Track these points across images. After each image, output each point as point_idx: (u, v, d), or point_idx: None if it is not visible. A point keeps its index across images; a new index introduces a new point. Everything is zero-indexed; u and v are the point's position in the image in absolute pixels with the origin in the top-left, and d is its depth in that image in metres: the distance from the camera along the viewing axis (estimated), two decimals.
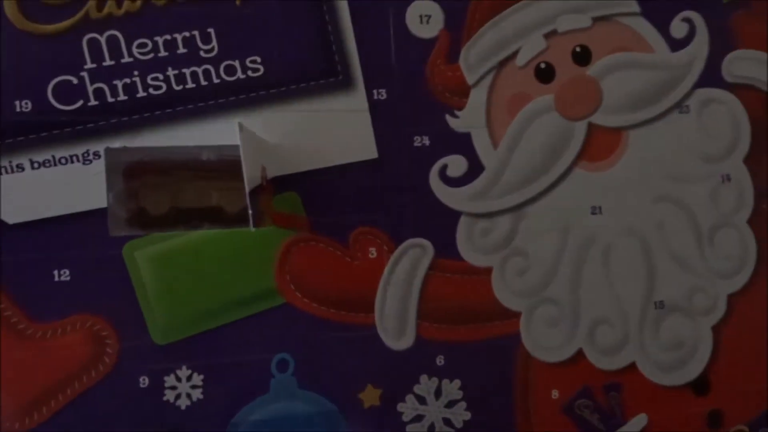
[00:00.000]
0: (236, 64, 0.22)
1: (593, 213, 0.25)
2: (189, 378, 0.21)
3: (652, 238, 0.25)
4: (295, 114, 0.22)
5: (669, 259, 0.26)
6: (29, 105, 0.20)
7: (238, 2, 0.22)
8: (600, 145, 0.25)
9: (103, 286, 0.21)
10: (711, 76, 0.26)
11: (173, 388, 0.21)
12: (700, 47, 0.26)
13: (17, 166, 0.20)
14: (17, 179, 0.20)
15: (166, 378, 0.21)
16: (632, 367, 0.25)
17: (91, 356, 0.21)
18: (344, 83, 0.23)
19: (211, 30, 0.21)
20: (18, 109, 0.20)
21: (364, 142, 0.23)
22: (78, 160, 0.21)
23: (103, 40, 0.21)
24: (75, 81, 0.21)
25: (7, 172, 0.20)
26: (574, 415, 0.25)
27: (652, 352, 0.25)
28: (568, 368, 0.25)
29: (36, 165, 0.20)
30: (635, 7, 0.25)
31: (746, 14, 0.27)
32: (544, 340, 0.24)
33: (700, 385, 0.26)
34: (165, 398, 0.21)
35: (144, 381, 0.21)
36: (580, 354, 0.25)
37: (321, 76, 0.22)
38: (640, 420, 0.26)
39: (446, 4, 0.23)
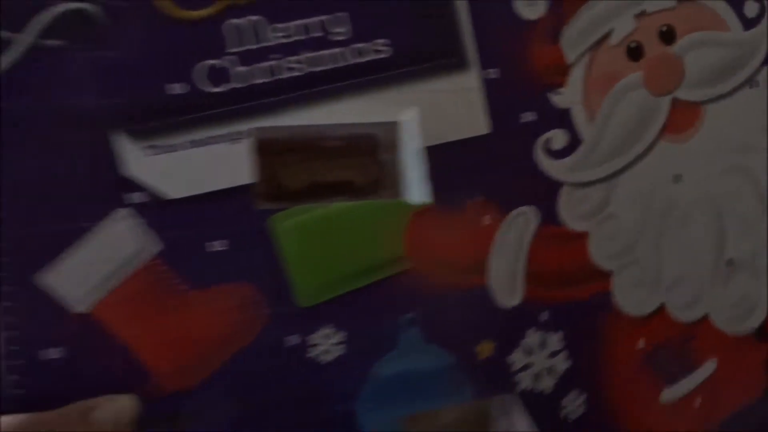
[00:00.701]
0: (366, 46, 0.23)
1: (675, 182, 0.27)
2: (329, 336, 0.23)
3: (723, 203, 0.28)
4: (416, 94, 0.24)
5: (737, 222, 0.28)
6: (183, 88, 0.22)
7: None
8: (681, 118, 0.27)
9: (253, 256, 0.23)
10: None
11: (316, 345, 0.23)
12: None
13: (174, 145, 0.22)
14: (175, 157, 0.22)
15: (309, 337, 0.23)
16: (705, 318, 0.28)
17: (243, 319, 0.23)
18: (460, 63, 0.24)
19: (343, 14, 0.23)
20: (172, 92, 0.22)
21: (477, 119, 0.25)
22: (227, 140, 0.22)
23: (245, 24, 0.22)
24: (221, 65, 0.22)
25: (163, 152, 0.22)
26: (655, 363, 0.28)
27: (723, 305, 0.28)
28: (651, 321, 0.27)
29: (191, 144, 0.22)
30: None
31: None
32: (631, 297, 0.27)
33: (761, 333, 0.29)
34: (309, 356, 0.23)
35: (290, 341, 0.23)
36: (661, 308, 0.28)
37: (440, 56, 0.24)
38: (711, 365, 0.29)
39: None
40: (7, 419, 0.20)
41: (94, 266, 0.21)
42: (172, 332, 0.22)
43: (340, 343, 0.24)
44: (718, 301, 0.28)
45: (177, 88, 0.22)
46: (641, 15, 0.26)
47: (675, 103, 0.27)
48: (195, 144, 0.22)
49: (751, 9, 0.28)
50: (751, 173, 0.28)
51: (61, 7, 0.20)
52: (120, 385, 0.22)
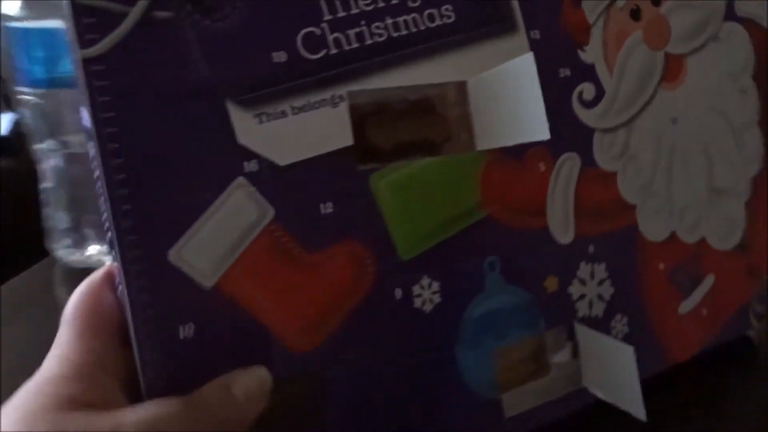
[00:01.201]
0: (435, 12, 0.25)
1: (673, 123, 0.32)
2: (429, 285, 0.25)
3: (708, 140, 0.33)
4: (479, 54, 0.26)
5: (719, 156, 0.34)
6: (286, 56, 0.22)
7: None
8: (672, 69, 0.32)
9: (358, 214, 0.24)
10: (729, 13, 0.34)
11: (419, 296, 0.25)
12: None
13: (281, 112, 0.22)
14: (282, 124, 0.22)
15: (412, 288, 0.25)
16: (703, 239, 0.33)
17: (355, 277, 0.24)
18: (511, 27, 0.27)
19: None
20: (275, 60, 0.22)
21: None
22: (328, 104, 0.23)
23: None
24: (318, 32, 0.23)
25: (272, 120, 0.22)
26: (675, 280, 0.32)
27: (714, 227, 0.33)
28: (668, 245, 0.32)
29: (296, 110, 0.22)
30: None
31: None
32: (652, 225, 0.31)
33: (742, 246, 0.35)
34: (415, 306, 0.25)
35: (398, 293, 0.24)
36: (673, 234, 0.32)
37: (494, 21, 0.26)
38: (710, 279, 0.34)
39: None
40: (157, 405, 0.20)
41: (220, 238, 0.21)
42: (294, 295, 0.23)
43: (437, 292, 0.25)
44: (711, 223, 0.33)
45: (282, 56, 0.22)
46: None
47: (667, 56, 0.32)
48: (299, 110, 0.23)
49: None
50: (724, 113, 0.34)
51: None
52: (250, 354, 0.22)
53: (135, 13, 0.20)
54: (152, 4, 0.20)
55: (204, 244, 0.21)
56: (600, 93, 0.29)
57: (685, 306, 0.33)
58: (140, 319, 0.20)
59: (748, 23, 0.35)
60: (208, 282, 0.21)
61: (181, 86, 0.20)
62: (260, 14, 0.22)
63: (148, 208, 0.20)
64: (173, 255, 0.20)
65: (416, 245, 0.25)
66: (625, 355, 0.25)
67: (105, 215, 0.21)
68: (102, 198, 0.20)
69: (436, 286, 0.25)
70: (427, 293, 0.25)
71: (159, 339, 0.20)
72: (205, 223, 0.21)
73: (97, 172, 0.20)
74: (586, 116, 0.29)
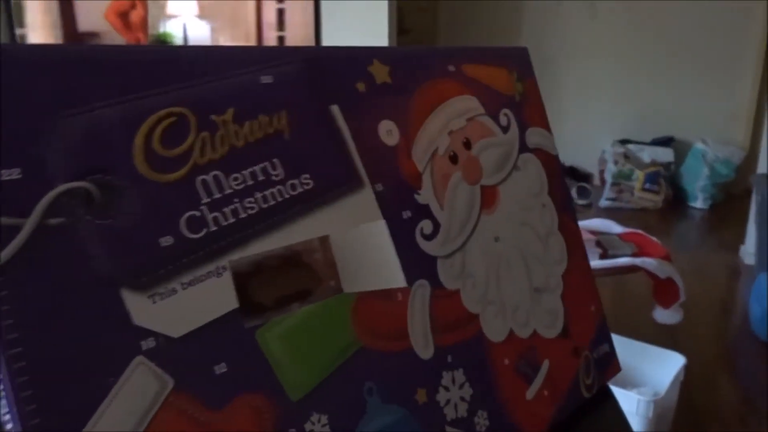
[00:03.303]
0: (297, 181, 0.30)
1: (496, 241, 0.39)
2: (319, 420, 0.28)
3: (523, 249, 0.41)
4: (333, 212, 0.31)
5: (533, 260, 0.41)
6: (170, 240, 0.25)
7: (286, 137, 0.30)
8: (488, 197, 0.39)
9: (249, 368, 0.26)
10: (522, 145, 0.43)
11: (311, 430, 0.28)
12: (515, 129, 0.42)
13: (172, 290, 0.25)
14: (174, 300, 0.25)
15: (305, 425, 0.28)
16: (534, 332, 0.40)
17: (257, 427, 0.26)
18: (358, 184, 0.32)
19: (276, 160, 0.29)
20: (163, 245, 0.25)
21: (380, 219, 0.32)
22: (213, 275, 0.26)
23: (210, 178, 0.27)
24: (198, 214, 0.26)
25: (164, 298, 0.25)
26: (519, 371, 0.38)
27: (540, 320, 0.41)
28: (508, 342, 0.38)
29: (185, 286, 0.25)
30: (482, 110, 0.40)
31: (527, 105, 0.44)
32: (493, 328, 0.37)
33: (564, 332, 0.42)
34: None
35: None
36: (511, 332, 0.38)
37: (344, 182, 0.31)
38: (546, 364, 0.40)
39: (401, 124, 0.35)
40: None
41: (126, 417, 0.23)
42: None
43: (326, 425, 0.28)
44: (538, 317, 0.40)
45: (168, 240, 0.25)
46: (451, 132, 0.38)
47: (482, 188, 0.39)
48: (188, 285, 0.25)
49: (503, 120, 0.42)
50: (532, 226, 0.42)
51: (61, 188, 0.23)
52: None
53: (30, 223, 0.22)
54: (46, 213, 0.22)
55: (113, 422, 0.22)
56: (437, 227, 0.36)
57: (531, 392, 0.39)
58: None
59: (538, 152, 0.44)
60: None
61: (78, 284, 0.22)
62: (146, 207, 0.25)
63: (54, 403, 0.21)
64: None
65: (303, 386, 0.28)
66: None
67: (10, 414, 0.21)
68: (6, 398, 0.21)
69: (324, 419, 0.28)
70: (317, 427, 0.28)
71: None
72: (111, 402, 0.23)
73: None
74: (429, 247, 0.35)
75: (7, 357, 0.21)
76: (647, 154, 3.15)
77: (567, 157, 3.31)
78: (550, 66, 3.69)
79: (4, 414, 0.21)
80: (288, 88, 0.30)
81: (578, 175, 2.70)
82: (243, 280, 0.27)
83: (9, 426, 0.22)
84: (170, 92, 0.26)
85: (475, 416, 0.35)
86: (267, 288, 0.28)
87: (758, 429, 1.40)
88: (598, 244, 1.25)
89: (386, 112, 0.34)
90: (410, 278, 0.33)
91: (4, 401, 0.21)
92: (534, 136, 0.44)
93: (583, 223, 1.45)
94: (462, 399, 0.35)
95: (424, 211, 0.35)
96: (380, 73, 0.35)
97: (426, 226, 0.35)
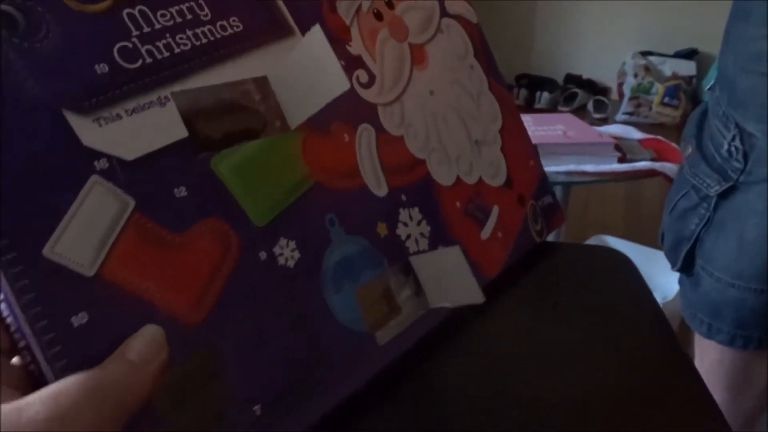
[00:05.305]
0: (225, 23, 0.30)
1: (431, 94, 0.40)
2: (287, 245, 0.29)
3: (457, 104, 0.42)
4: (265, 56, 0.31)
5: (468, 115, 0.43)
6: (106, 68, 0.25)
7: None
8: (418, 55, 0.40)
9: (210, 194, 0.26)
10: (443, 11, 0.44)
11: (281, 254, 0.28)
12: None
13: (116, 115, 0.25)
14: (121, 125, 0.24)
15: (274, 249, 0.28)
16: (480, 179, 0.42)
17: (223, 248, 0.26)
18: (288, 32, 0.32)
19: (201, 1, 0.29)
20: (99, 72, 0.25)
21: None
22: (157, 105, 0.26)
23: (136, 12, 0.26)
24: (130, 45, 0.26)
25: (110, 122, 0.24)
26: (470, 214, 0.40)
27: (485, 169, 0.42)
28: (457, 187, 0.39)
29: (129, 112, 0.25)
30: None
31: None
32: (441, 173, 0.39)
33: (508, 183, 0.44)
34: (279, 264, 0.28)
35: (263, 255, 0.27)
36: (458, 178, 0.40)
37: (274, 29, 0.32)
38: (495, 209, 0.42)
39: None
40: (57, 383, 0.20)
41: (89, 231, 0.22)
42: (172, 274, 0.24)
43: (294, 249, 0.29)
44: (481, 167, 0.42)
45: (104, 68, 0.25)
46: None
47: (411, 46, 0.40)
48: (132, 112, 0.25)
49: None
50: (462, 84, 0.43)
51: None
52: None
53: None
54: None
55: (75, 238, 0.22)
56: (372, 77, 0.36)
57: (485, 232, 0.41)
58: (30, 317, 0.20)
59: (459, 19, 0.45)
60: (88, 272, 0.22)
61: (16, 103, 0.22)
62: (74, 35, 0.24)
63: (12, 216, 0.21)
64: (47, 251, 0.21)
65: (266, 213, 0.28)
66: (454, 255, 0.31)
67: None
68: None
69: (293, 244, 0.29)
70: (287, 251, 0.29)
71: (54, 332, 0.21)
72: (71, 219, 0.22)
73: None
74: (367, 95, 0.36)
75: None
76: (668, 66, 2.85)
77: (585, 70, 2.93)
78: None
79: None
80: None
81: (596, 88, 2.60)
82: (188, 116, 0.27)
83: None
84: None
85: (435, 250, 0.36)
86: (213, 123, 0.28)
87: None
88: (617, 148, 1.23)
89: None
90: (355, 122, 0.34)
91: None
92: (454, 6, 0.46)
93: (602, 129, 1.45)
94: (422, 235, 0.36)
95: (357, 62, 0.36)
96: None
97: (361, 75, 0.36)
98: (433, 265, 0.34)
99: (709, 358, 0.71)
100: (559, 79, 2.59)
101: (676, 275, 0.75)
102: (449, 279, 0.33)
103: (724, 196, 0.65)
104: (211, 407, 0.24)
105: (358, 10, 0.37)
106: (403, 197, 0.35)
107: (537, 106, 2.33)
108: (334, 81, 0.27)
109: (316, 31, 0.27)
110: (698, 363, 0.73)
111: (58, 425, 0.18)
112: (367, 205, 0.33)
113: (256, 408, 0.25)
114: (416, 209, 0.36)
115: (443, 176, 0.39)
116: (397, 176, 0.36)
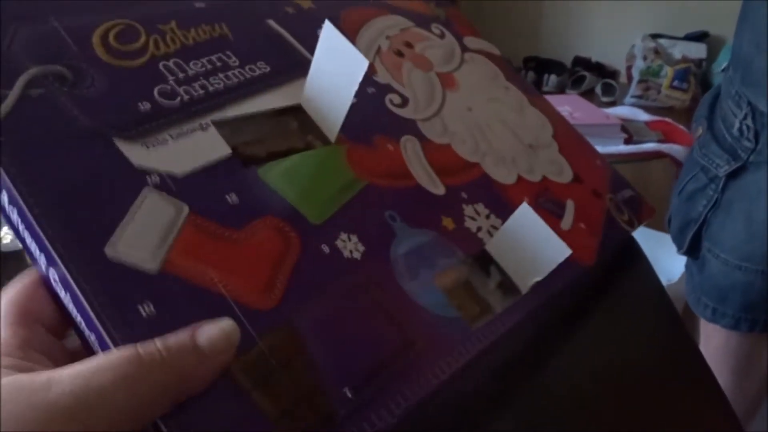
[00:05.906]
0: (254, 66, 0.32)
1: (469, 110, 0.41)
2: (349, 239, 0.28)
3: (501, 116, 0.42)
4: (289, 90, 0.33)
5: (513, 125, 0.42)
6: (148, 105, 0.27)
7: (231, 39, 0.33)
8: (447, 80, 0.42)
9: (262, 198, 0.27)
10: (464, 48, 0.46)
11: (345, 247, 0.27)
12: (450, 36, 0.46)
13: (163, 140, 0.26)
14: (168, 148, 0.26)
15: (336, 242, 0.27)
16: (545, 178, 0.40)
17: (284, 241, 0.26)
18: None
19: (228, 52, 0.32)
20: (142, 110, 0.27)
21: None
22: (198, 129, 0.28)
23: (171, 64, 0.29)
24: (169, 87, 0.28)
25: (157, 145, 0.26)
26: (543, 207, 0.38)
27: (546, 168, 0.41)
28: (520, 184, 0.38)
29: (174, 136, 0.27)
30: (412, 23, 0.44)
31: (455, 24, 0.48)
32: (499, 173, 0.38)
33: (576, 178, 0.42)
34: (345, 256, 0.27)
35: (326, 248, 0.27)
36: (519, 177, 0.39)
37: (297, 68, 0.34)
38: (570, 203, 0.40)
39: None
40: (101, 356, 0.19)
41: (148, 230, 0.23)
42: (236, 265, 0.24)
43: (358, 242, 0.28)
44: (543, 166, 0.41)
45: (146, 106, 0.27)
46: (388, 37, 0.41)
47: (438, 74, 0.41)
48: (177, 136, 0.27)
49: (436, 30, 0.45)
50: (499, 100, 0.44)
51: (35, 70, 0.25)
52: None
53: (14, 93, 0.24)
54: (27, 85, 0.24)
55: (135, 237, 0.23)
56: (405, 99, 0.37)
57: (565, 223, 0.38)
58: (96, 305, 0.21)
59: (481, 52, 0.47)
60: (151, 266, 0.22)
61: (72, 135, 0.24)
62: (117, 83, 0.27)
63: (76, 222, 0.22)
64: (109, 250, 0.22)
65: (321, 212, 0.28)
66: (527, 216, 0.29)
67: (32, 246, 0.22)
68: (26, 241, 0.22)
69: (355, 238, 0.28)
70: (350, 245, 0.28)
71: (121, 319, 0.21)
72: (129, 222, 0.23)
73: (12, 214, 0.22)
74: (404, 113, 0.37)
75: (20, 191, 0.22)
76: (678, 49, 2.75)
77: (594, 53, 2.83)
78: None
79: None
80: (221, 10, 0.34)
81: (605, 72, 2.52)
82: (230, 141, 0.29)
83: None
84: (114, 10, 0.30)
85: (506, 223, 0.34)
86: (256, 146, 0.29)
87: None
88: (624, 129, 1.21)
89: (320, 24, 0.38)
90: (397, 134, 0.35)
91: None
92: (473, 42, 0.48)
93: (609, 110, 1.42)
94: (493, 227, 0.34)
95: (387, 88, 0.37)
96: (304, 3, 0.39)
97: (394, 98, 0.37)
98: (508, 241, 0.32)
99: (714, 343, 0.70)
100: (568, 61, 2.54)
101: (682, 259, 0.75)
102: (529, 246, 0.30)
103: (733, 176, 0.65)
104: (302, 382, 0.22)
105: (379, 50, 0.40)
106: (464, 194, 0.34)
107: (545, 89, 2.27)
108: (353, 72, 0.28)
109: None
110: (703, 347, 0.70)
111: (84, 407, 0.17)
112: (426, 202, 0.32)
113: (346, 389, 0.23)
114: (481, 204, 0.35)
115: (502, 175, 0.38)
116: (450, 177, 0.35)
